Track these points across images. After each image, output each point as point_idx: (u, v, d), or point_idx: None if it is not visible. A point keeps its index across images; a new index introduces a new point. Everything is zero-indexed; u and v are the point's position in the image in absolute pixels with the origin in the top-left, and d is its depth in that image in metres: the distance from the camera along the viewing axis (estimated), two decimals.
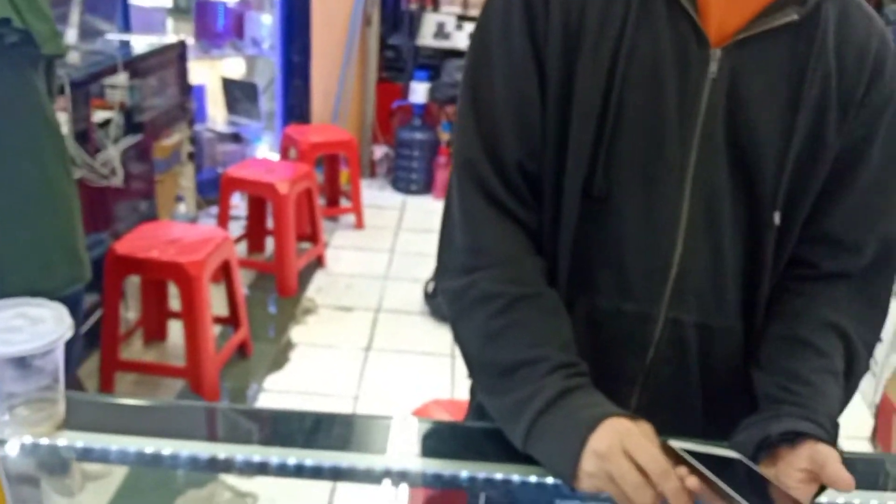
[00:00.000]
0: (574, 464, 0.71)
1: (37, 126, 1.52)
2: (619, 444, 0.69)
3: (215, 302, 2.44)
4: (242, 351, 2.73)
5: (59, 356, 0.78)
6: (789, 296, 0.86)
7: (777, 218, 0.81)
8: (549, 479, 0.77)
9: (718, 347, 0.86)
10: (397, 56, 4.57)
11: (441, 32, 4.42)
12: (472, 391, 1.01)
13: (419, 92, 4.38)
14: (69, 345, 0.78)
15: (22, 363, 0.75)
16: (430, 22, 4.42)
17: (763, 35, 0.77)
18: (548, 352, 0.78)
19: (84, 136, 2.35)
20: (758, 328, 0.86)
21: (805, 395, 0.78)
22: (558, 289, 0.84)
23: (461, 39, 4.36)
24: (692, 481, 0.67)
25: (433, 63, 4.52)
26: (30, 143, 1.51)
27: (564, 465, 0.72)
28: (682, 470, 0.68)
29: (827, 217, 0.83)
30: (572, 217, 0.82)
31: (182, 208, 3.05)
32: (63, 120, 2.17)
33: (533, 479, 0.77)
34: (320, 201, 3.67)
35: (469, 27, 4.31)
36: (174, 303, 2.65)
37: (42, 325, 0.76)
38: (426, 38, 4.44)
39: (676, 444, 0.71)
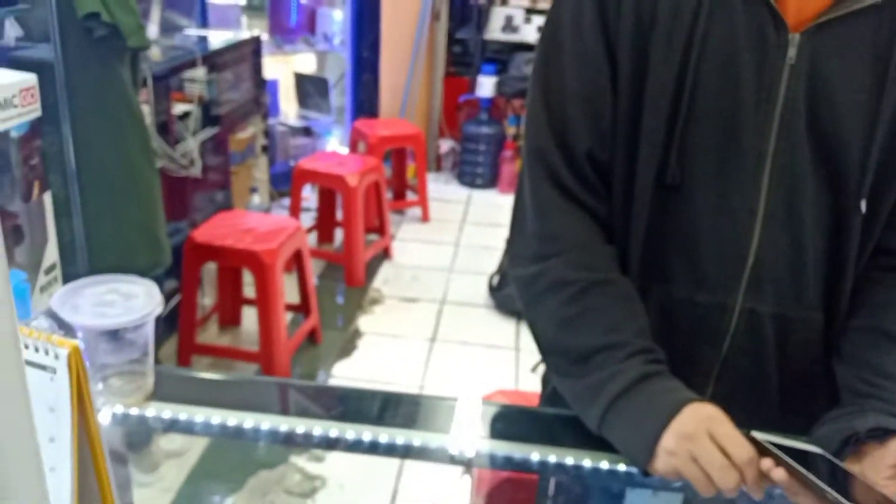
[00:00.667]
0: (653, 444, 0.71)
1: (123, 117, 1.61)
2: (707, 427, 0.70)
3: (287, 290, 2.51)
4: (312, 338, 2.80)
5: (150, 331, 0.82)
6: (873, 286, 0.83)
7: (863, 206, 0.78)
8: (622, 466, 0.76)
9: (797, 338, 0.84)
10: (465, 50, 4.58)
11: (509, 26, 4.40)
12: (545, 379, 1.01)
13: (486, 86, 4.38)
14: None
15: (115, 336, 0.79)
16: (498, 16, 4.41)
17: (844, 18, 0.74)
18: (625, 337, 0.78)
19: (165, 127, 2.45)
20: (841, 319, 0.84)
21: (891, 389, 0.75)
22: (630, 277, 0.84)
23: (529, 33, 4.33)
24: (779, 473, 0.67)
25: (501, 57, 4.51)
26: (116, 133, 1.59)
27: (642, 445, 0.72)
28: (768, 462, 0.68)
29: None
30: (644, 206, 0.82)
31: (256, 199, 3.14)
32: (145, 112, 2.28)
33: (605, 465, 0.77)
34: (388, 194, 3.72)
35: (537, 20, 4.28)
36: (248, 290, 2.74)
37: (134, 300, 0.81)
38: (494, 31, 4.43)
39: (760, 436, 0.70)
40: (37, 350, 0.52)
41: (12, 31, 1.43)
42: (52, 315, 0.77)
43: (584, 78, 0.81)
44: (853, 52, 0.75)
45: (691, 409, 0.72)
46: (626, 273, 0.84)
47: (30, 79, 0.76)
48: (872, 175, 0.77)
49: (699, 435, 0.69)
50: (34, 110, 0.77)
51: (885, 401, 0.74)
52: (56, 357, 0.52)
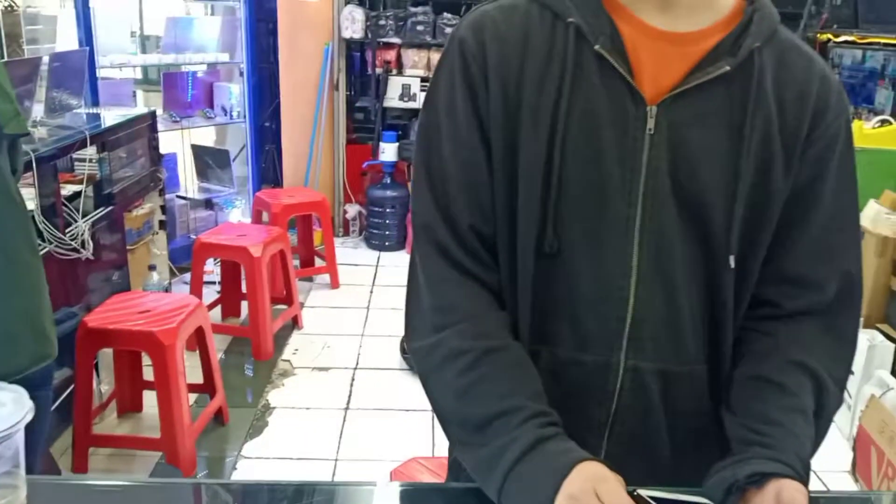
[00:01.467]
0: None
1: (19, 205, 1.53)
2: (592, 487, 0.70)
3: (190, 370, 2.41)
4: (219, 418, 2.69)
5: (20, 441, 0.77)
6: (755, 336, 0.87)
7: (732, 262, 0.82)
8: None
9: (682, 392, 0.87)
10: (366, 117, 4.66)
11: (407, 94, 4.53)
12: (450, 448, 1.01)
13: (389, 151, 4.47)
14: (39, 423, 0.78)
15: None
16: (395, 85, 4.54)
17: (698, 88, 0.80)
18: (520, 402, 0.79)
19: (52, 210, 2.35)
20: (724, 371, 0.87)
21: (774, 435, 0.78)
22: (522, 342, 0.86)
23: None
24: None
25: (401, 123, 4.63)
26: None
27: None
28: None
29: (786, 257, 0.85)
30: (528, 274, 0.84)
31: (155, 277, 3.04)
32: (30, 196, 2.18)
33: None
34: (295, 262, 3.68)
35: None
36: (149, 373, 2.62)
37: (1, 409, 0.76)
38: (393, 99, 4.55)
39: (645, 492, 0.72)
40: None
41: None
42: None
43: (461, 160, 0.84)
44: (709, 118, 0.81)
45: (578, 470, 0.72)
46: (517, 338, 0.86)
47: None
48: (739, 232, 0.82)
49: (585, 495, 0.70)
50: None
51: (768, 447, 0.77)
52: None
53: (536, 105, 0.81)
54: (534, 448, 0.76)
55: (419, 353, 0.87)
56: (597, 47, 0.80)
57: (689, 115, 0.81)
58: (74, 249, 2.41)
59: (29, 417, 0.76)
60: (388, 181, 4.53)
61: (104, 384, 2.63)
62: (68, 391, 2.38)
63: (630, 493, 0.72)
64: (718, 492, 0.76)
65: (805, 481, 0.75)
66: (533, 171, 0.82)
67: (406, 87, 4.51)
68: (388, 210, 4.50)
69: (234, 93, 4.25)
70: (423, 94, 4.21)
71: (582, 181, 0.82)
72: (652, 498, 0.72)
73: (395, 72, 4.54)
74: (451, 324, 0.84)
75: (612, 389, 0.86)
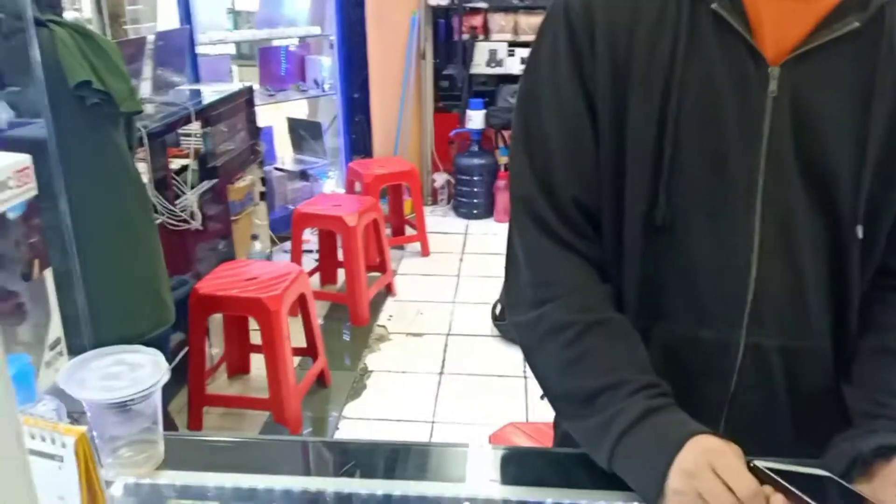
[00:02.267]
0: (660, 483, 0.70)
1: (119, 181, 1.62)
2: (707, 462, 0.69)
3: (294, 334, 2.51)
4: (321, 380, 2.80)
5: (158, 400, 0.82)
6: (879, 308, 0.83)
7: (860, 231, 0.78)
8: None
9: (806, 370, 0.83)
10: (452, 85, 4.64)
11: (493, 59, 4.47)
12: (556, 421, 1.00)
13: (475, 119, 4.43)
14: None
15: (123, 408, 0.80)
16: (482, 50, 4.48)
17: (823, 47, 0.75)
18: (627, 375, 0.78)
19: (163, 183, 2.48)
20: (849, 347, 0.83)
21: None
22: (628, 317, 0.84)
23: (513, 65, 4.40)
24: (777, 500, 0.66)
25: (487, 90, 4.57)
26: (113, 198, 1.61)
27: (650, 484, 0.72)
28: (768, 489, 0.67)
29: None
30: (636, 247, 0.81)
31: (257, 246, 3.16)
32: (143, 170, 2.30)
33: None
34: (387, 231, 3.74)
35: (520, 53, 4.35)
36: (255, 337, 2.74)
37: (140, 370, 0.81)
38: (479, 66, 4.50)
39: (762, 463, 0.70)
40: (43, 439, 0.52)
41: (4, 113, 1.45)
42: (59, 392, 0.77)
43: (565, 130, 0.81)
44: (835, 79, 0.76)
45: (692, 444, 0.71)
46: (622, 311, 0.84)
47: (24, 159, 0.77)
48: (867, 200, 0.77)
49: (701, 471, 0.68)
50: (30, 189, 0.79)
51: (895, 419, 0.74)
52: (63, 445, 0.52)
53: (647, 71, 0.77)
54: (644, 419, 0.74)
55: (521, 328, 0.86)
56: (713, 6, 0.75)
57: (814, 75, 0.75)
58: (184, 220, 2.53)
59: (166, 378, 0.81)
60: (476, 149, 4.50)
61: (214, 348, 2.77)
62: (182, 354, 2.53)
63: (747, 465, 0.70)
64: (841, 464, 0.73)
65: None
66: (644, 141, 0.78)
67: (493, 52, 4.45)
68: (475, 178, 4.49)
69: (325, 65, 4.32)
70: (510, 59, 4.13)
71: (699, 149, 0.78)
72: (770, 470, 0.69)
73: (481, 38, 4.47)
74: (553, 297, 0.83)
75: (731, 368, 0.83)
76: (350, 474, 0.82)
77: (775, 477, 0.68)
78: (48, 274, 0.83)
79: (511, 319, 0.88)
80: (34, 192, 0.79)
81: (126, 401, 0.78)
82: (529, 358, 0.86)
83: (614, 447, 0.75)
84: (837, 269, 0.80)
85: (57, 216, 0.96)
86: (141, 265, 1.65)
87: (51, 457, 0.51)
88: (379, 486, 0.79)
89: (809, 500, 0.65)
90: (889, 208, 0.79)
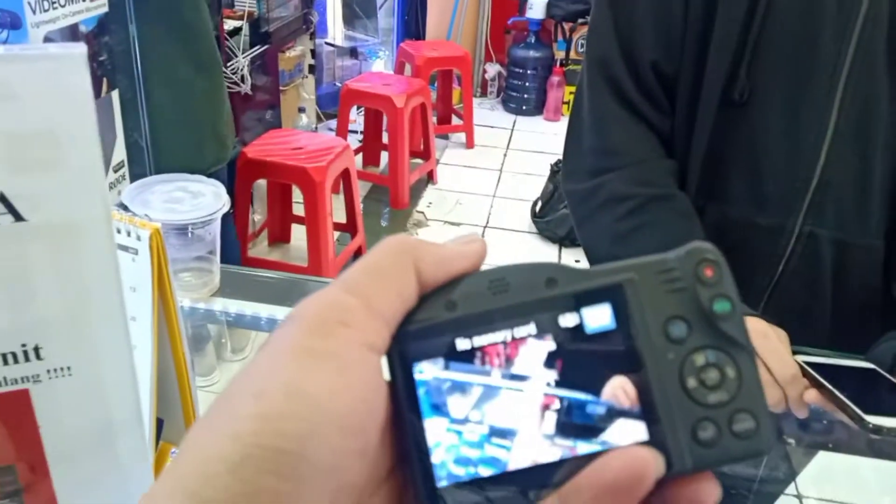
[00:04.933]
0: None
1: (190, 18, 1.62)
2: None
3: (335, 209, 2.54)
4: (358, 257, 2.84)
5: (216, 228, 0.84)
6: None
7: None
8: None
9: (855, 265, 0.82)
10: None
11: None
12: None
13: (536, 7, 4.24)
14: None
15: (184, 232, 0.82)
16: None
17: None
18: None
19: (217, 43, 2.45)
20: None
21: None
22: (687, 195, 0.83)
23: None
24: (811, 394, 0.67)
25: None
26: (183, 32, 1.60)
27: None
28: (804, 381, 0.68)
29: None
30: (708, 122, 0.79)
31: (304, 119, 3.15)
32: None
33: None
34: (433, 118, 3.68)
35: None
36: (297, 209, 2.78)
37: (202, 198, 0.83)
38: None
39: (802, 358, 0.70)
40: (119, 231, 0.54)
41: None
42: (124, 209, 0.80)
43: None
44: None
45: None
46: (683, 189, 0.83)
47: None
48: None
49: None
50: (101, 5, 0.78)
51: None
52: (138, 238, 0.54)
53: None
54: None
55: (575, 196, 0.85)
56: None
57: None
58: (235, 83, 2.52)
59: (226, 209, 0.83)
60: (532, 40, 4.34)
61: (257, 214, 2.82)
62: None
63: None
64: (886, 358, 0.73)
65: None
66: (736, 6, 0.74)
67: None
68: (528, 72, 4.35)
69: None
70: None
71: (789, 22, 0.74)
72: (814, 365, 0.69)
73: None
74: (614, 167, 0.81)
75: (781, 254, 0.82)
76: None
77: (814, 373, 0.68)
78: (115, 95, 0.84)
79: (567, 187, 0.87)
80: (105, 9, 0.78)
81: (188, 223, 0.80)
82: (581, 228, 0.86)
83: None
84: None
85: (126, 41, 0.96)
86: (208, 103, 1.68)
87: (126, 249, 0.53)
88: None
89: (845, 398, 0.65)
90: None
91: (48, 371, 0.36)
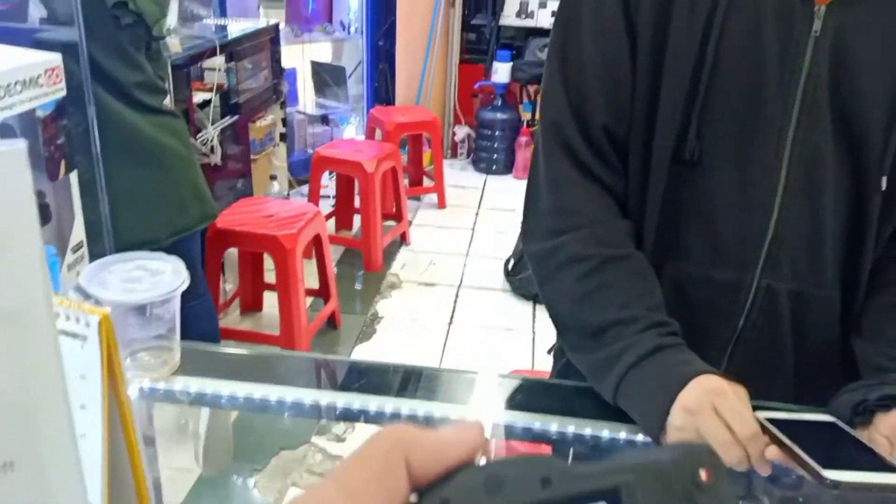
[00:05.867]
0: (662, 419, 0.71)
1: (148, 96, 1.64)
2: (710, 401, 0.69)
3: (307, 275, 2.54)
4: (332, 322, 2.83)
5: (176, 306, 0.84)
6: (893, 265, 0.82)
7: (884, 183, 0.77)
8: (640, 437, 0.77)
9: (814, 317, 0.83)
10: (479, 37, 4.57)
11: (524, 11, 4.38)
12: (556, 354, 1.02)
13: (501, 72, 4.37)
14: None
15: (142, 311, 0.81)
16: (512, 1, 4.39)
17: None
18: (639, 311, 0.78)
19: (185, 116, 2.48)
20: (858, 300, 0.83)
21: None
22: (644, 253, 0.84)
23: (544, 18, 4.31)
24: (771, 451, 0.67)
25: (515, 43, 4.50)
26: (140, 113, 1.63)
27: (653, 420, 0.73)
28: (765, 439, 0.68)
29: None
30: (661, 182, 0.81)
31: (275, 187, 3.17)
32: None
33: (623, 435, 0.78)
34: (405, 181, 3.73)
35: (552, 5, 4.26)
36: (269, 276, 2.77)
37: (161, 276, 0.83)
38: (509, 17, 4.42)
39: (763, 414, 0.70)
40: (68, 318, 0.54)
41: (37, 12, 1.46)
42: (81, 291, 0.79)
43: (603, 51, 0.80)
44: (880, 26, 0.74)
45: (696, 383, 0.71)
46: (640, 249, 0.85)
47: (55, 59, 0.78)
48: (894, 152, 0.76)
49: (703, 410, 0.69)
50: (59, 90, 0.79)
51: None
52: (87, 325, 0.54)
53: (693, 1, 0.76)
54: (652, 355, 0.75)
55: (536, 257, 0.86)
56: None
57: (858, 20, 0.74)
58: (205, 154, 2.54)
59: (185, 285, 0.82)
60: (499, 103, 4.46)
61: (228, 283, 2.81)
62: None
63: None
64: (845, 411, 0.74)
65: None
66: (681, 68, 0.77)
67: (524, 3, 4.37)
68: (497, 133, 4.45)
69: (353, 7, 4.25)
70: (542, 11, 4.03)
71: (735, 83, 0.77)
72: (773, 421, 0.70)
73: None
74: (572, 228, 0.83)
75: (741, 308, 0.83)
76: (361, 391, 0.84)
77: (774, 430, 0.68)
78: (73, 176, 0.84)
79: (527, 248, 0.88)
80: (63, 93, 0.79)
81: (146, 303, 0.79)
82: (542, 288, 0.87)
83: (620, 381, 0.76)
84: (857, 219, 0.80)
85: (85, 122, 0.97)
86: (187, 165, 1.70)
87: (74, 335, 0.53)
88: (388, 404, 0.81)
89: (804, 454, 0.65)
90: None
91: None
